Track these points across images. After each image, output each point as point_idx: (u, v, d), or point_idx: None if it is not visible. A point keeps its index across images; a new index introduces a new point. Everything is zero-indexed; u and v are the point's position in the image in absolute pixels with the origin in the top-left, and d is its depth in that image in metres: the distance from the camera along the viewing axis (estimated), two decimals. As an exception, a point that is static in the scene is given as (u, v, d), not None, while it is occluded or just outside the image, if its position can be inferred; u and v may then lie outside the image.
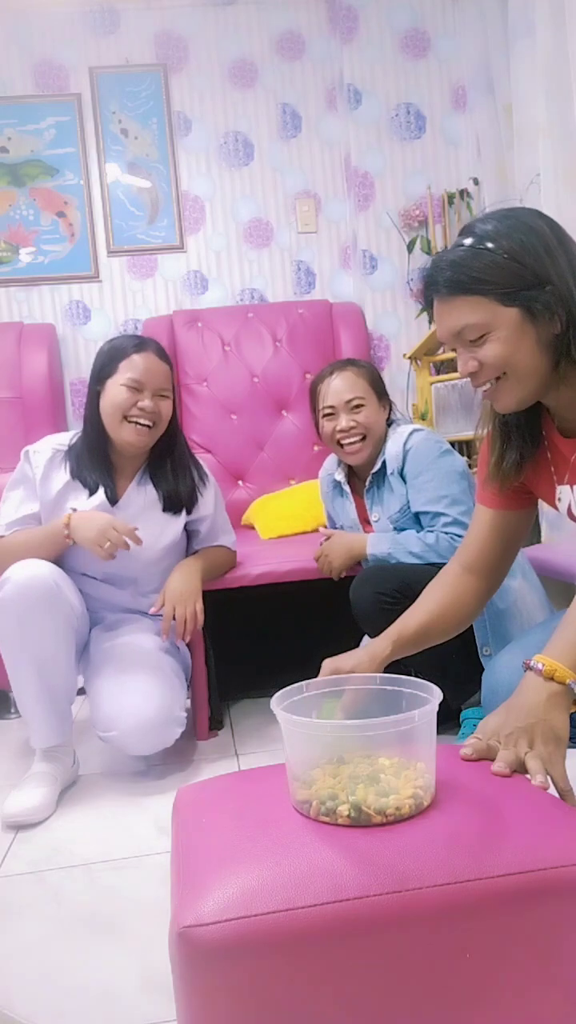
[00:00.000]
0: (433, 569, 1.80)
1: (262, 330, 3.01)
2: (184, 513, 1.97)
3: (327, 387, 1.96)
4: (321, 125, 3.24)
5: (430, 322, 3.10)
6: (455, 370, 2.92)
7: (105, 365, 1.87)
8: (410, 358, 3.04)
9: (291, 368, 2.97)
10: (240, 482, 2.94)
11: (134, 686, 1.80)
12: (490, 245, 1.09)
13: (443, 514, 1.85)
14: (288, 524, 2.51)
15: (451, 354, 2.92)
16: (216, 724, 2.13)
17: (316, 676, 1.12)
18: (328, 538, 2.00)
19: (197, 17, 3.16)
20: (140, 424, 1.84)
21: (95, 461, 1.90)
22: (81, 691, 2.51)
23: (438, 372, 3.03)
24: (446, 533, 1.83)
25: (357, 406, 1.92)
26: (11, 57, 3.12)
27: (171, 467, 1.96)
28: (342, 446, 1.95)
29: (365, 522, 2.05)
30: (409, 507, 1.92)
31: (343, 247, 3.28)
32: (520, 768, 1.00)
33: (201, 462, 2.05)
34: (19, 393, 2.91)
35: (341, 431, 1.93)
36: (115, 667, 1.84)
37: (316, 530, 2.23)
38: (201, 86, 3.19)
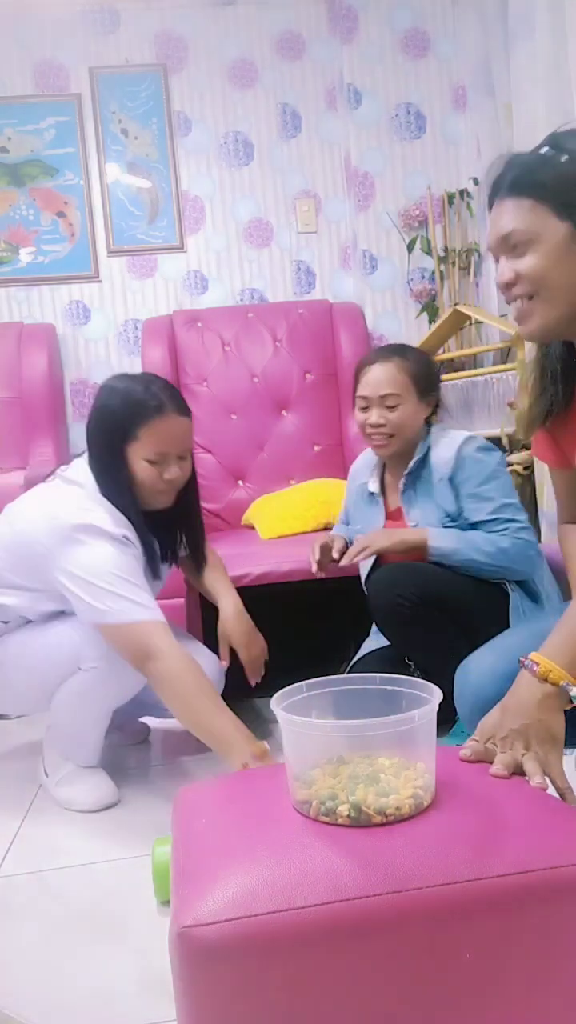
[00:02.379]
0: (458, 576, 1.80)
1: (262, 330, 3.01)
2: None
3: (366, 375, 1.87)
4: (321, 125, 3.24)
5: (430, 322, 3.11)
6: (456, 370, 2.93)
7: (125, 423, 1.64)
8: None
9: (291, 368, 2.97)
10: (240, 482, 2.93)
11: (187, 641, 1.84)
12: (563, 157, 1.05)
13: (514, 520, 1.78)
14: (288, 524, 2.51)
15: (451, 354, 2.94)
16: (216, 724, 2.12)
17: (316, 676, 1.12)
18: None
19: (197, 17, 3.16)
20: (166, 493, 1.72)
21: (142, 529, 1.70)
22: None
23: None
24: (519, 539, 1.75)
25: (392, 404, 1.83)
26: (11, 57, 3.12)
27: (177, 518, 1.82)
28: (370, 436, 1.89)
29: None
30: (457, 514, 1.83)
31: (343, 247, 3.28)
32: (518, 770, 1.00)
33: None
34: (19, 393, 2.91)
35: (371, 425, 1.86)
36: None
37: (317, 530, 2.20)
38: (201, 86, 3.19)
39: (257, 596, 2.03)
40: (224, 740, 1.46)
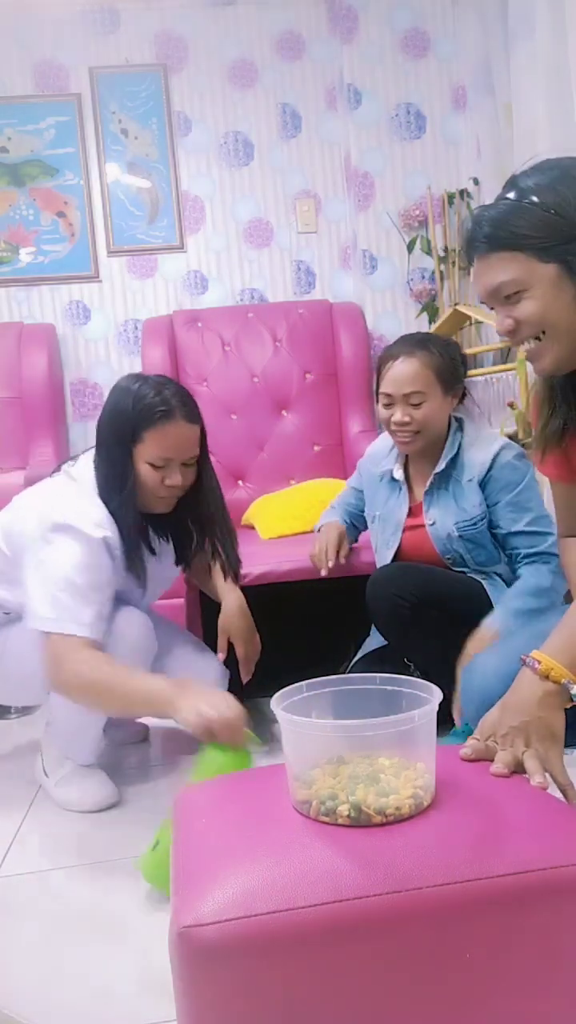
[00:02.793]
0: (457, 575, 1.81)
1: (262, 330, 3.01)
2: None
3: (389, 371, 1.81)
4: (321, 125, 3.24)
5: (430, 322, 3.11)
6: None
7: (134, 425, 1.63)
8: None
9: (291, 368, 2.97)
10: (240, 482, 2.93)
11: (192, 646, 1.88)
12: (533, 199, 1.05)
13: (550, 532, 1.75)
14: (288, 524, 2.51)
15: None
16: (216, 724, 2.12)
17: (316, 676, 1.12)
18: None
19: (197, 17, 3.16)
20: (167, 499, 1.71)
21: (138, 537, 1.68)
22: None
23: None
24: (555, 554, 1.70)
25: (417, 402, 1.79)
26: (11, 57, 3.12)
27: (207, 513, 1.79)
28: (395, 433, 1.85)
29: (410, 524, 1.91)
30: (479, 519, 1.81)
31: (343, 247, 3.28)
32: (519, 768, 1.00)
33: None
34: (19, 393, 2.91)
35: (396, 423, 1.81)
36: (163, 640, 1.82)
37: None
38: (201, 86, 3.19)
39: (257, 596, 2.03)
40: (162, 699, 1.44)
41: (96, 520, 1.62)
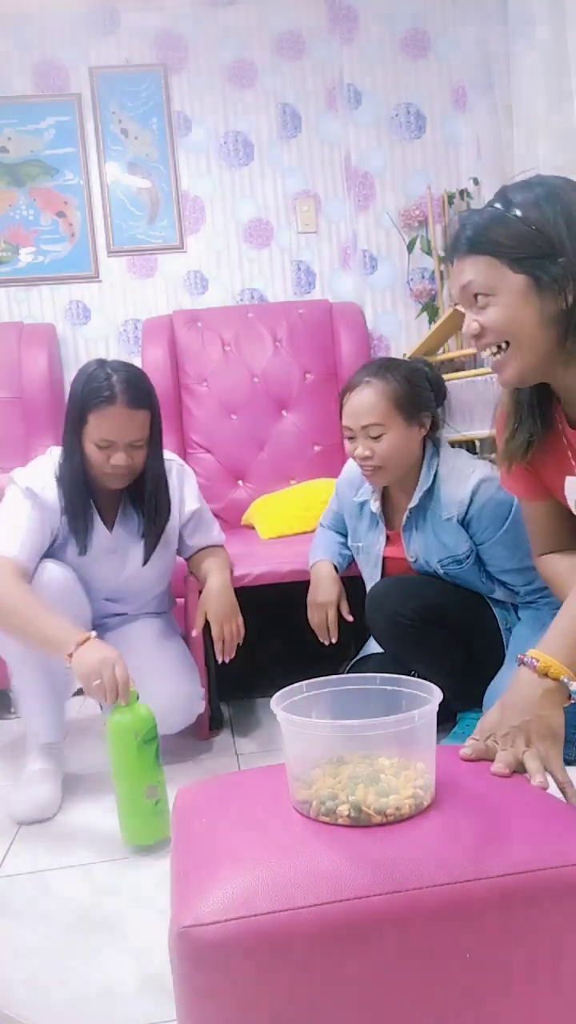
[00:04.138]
0: (457, 589, 1.78)
1: (262, 330, 3.01)
2: (173, 529, 1.97)
3: (348, 403, 1.73)
4: (321, 125, 3.24)
5: (430, 322, 3.11)
6: (456, 370, 2.93)
7: (81, 407, 1.76)
8: (410, 358, 3.03)
9: (291, 368, 2.97)
10: (240, 482, 2.93)
11: (158, 666, 1.85)
12: (516, 212, 1.10)
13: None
14: (288, 524, 2.51)
15: (451, 354, 2.94)
16: (216, 724, 2.13)
17: (316, 676, 1.12)
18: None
19: (197, 17, 3.15)
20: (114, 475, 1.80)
21: (80, 504, 1.82)
22: (80, 691, 2.51)
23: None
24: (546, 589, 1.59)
25: (376, 435, 1.69)
26: (11, 57, 3.11)
27: (147, 496, 1.88)
28: (361, 467, 1.77)
29: (392, 556, 1.86)
30: (465, 556, 1.72)
31: (343, 247, 3.28)
32: (519, 768, 1.00)
33: (173, 460, 1.99)
34: (19, 393, 2.91)
35: (358, 457, 1.73)
36: (132, 654, 1.83)
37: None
38: (201, 86, 3.18)
39: (257, 596, 2.03)
40: (59, 642, 1.58)
41: (41, 482, 1.82)
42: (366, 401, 1.70)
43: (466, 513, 1.70)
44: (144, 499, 1.88)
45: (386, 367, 1.75)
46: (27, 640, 1.65)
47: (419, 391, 1.73)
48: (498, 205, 1.12)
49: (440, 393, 1.81)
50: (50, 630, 1.60)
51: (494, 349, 1.15)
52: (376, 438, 1.70)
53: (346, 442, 1.78)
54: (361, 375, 1.75)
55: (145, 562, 1.92)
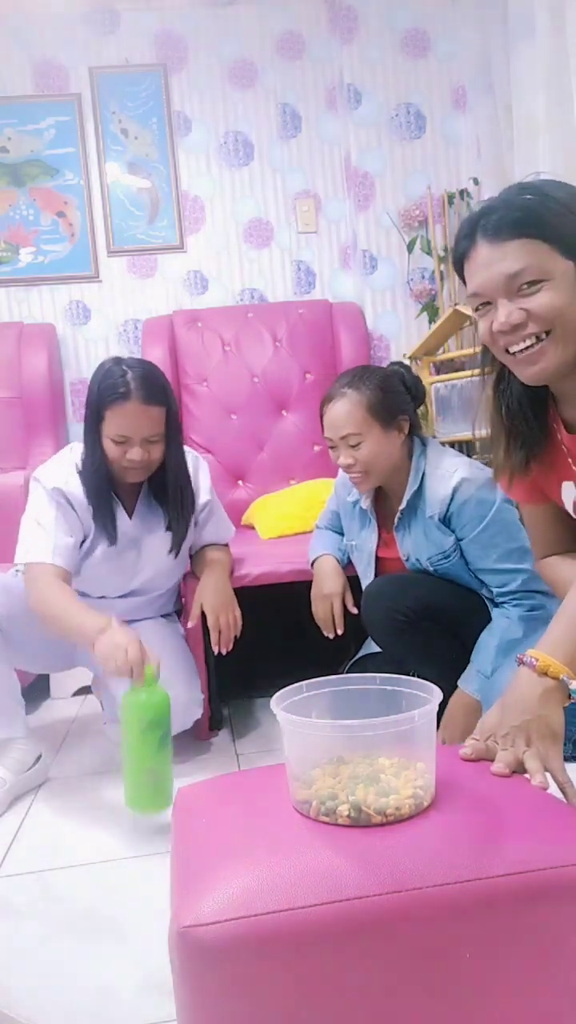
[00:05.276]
0: (452, 586, 1.79)
1: (262, 330, 3.01)
2: (190, 524, 1.99)
3: (326, 415, 1.78)
4: (321, 125, 3.24)
5: (430, 322, 3.11)
6: (455, 370, 2.93)
7: (97, 404, 1.80)
8: (410, 358, 3.03)
9: (291, 368, 2.97)
10: (240, 482, 2.93)
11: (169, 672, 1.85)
12: (558, 195, 1.06)
13: (520, 569, 1.69)
14: (288, 524, 2.51)
15: (451, 354, 2.94)
16: (216, 724, 2.13)
17: (316, 676, 1.12)
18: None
19: (197, 17, 3.16)
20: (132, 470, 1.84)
21: (102, 496, 1.86)
22: (85, 689, 2.51)
23: (438, 372, 3.03)
24: (528, 591, 1.69)
25: (355, 443, 1.73)
26: (11, 57, 3.11)
27: (170, 489, 1.92)
28: (348, 474, 1.81)
29: (387, 556, 1.89)
30: (451, 552, 1.76)
31: (343, 247, 3.28)
32: (519, 768, 1.00)
33: (188, 451, 2.00)
34: (19, 393, 2.91)
35: (342, 466, 1.78)
36: None
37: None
38: (201, 86, 3.18)
39: (257, 596, 2.03)
40: (86, 633, 1.64)
41: (63, 477, 1.85)
42: (342, 412, 1.74)
43: (447, 511, 1.74)
44: (168, 492, 1.91)
45: (360, 376, 1.78)
46: (71, 639, 1.75)
47: (393, 396, 1.77)
48: (529, 192, 1.07)
49: (417, 394, 1.85)
50: (79, 626, 1.66)
51: (532, 340, 1.07)
52: (355, 446, 1.74)
53: (330, 451, 1.82)
54: (337, 387, 1.79)
55: (177, 552, 1.95)
